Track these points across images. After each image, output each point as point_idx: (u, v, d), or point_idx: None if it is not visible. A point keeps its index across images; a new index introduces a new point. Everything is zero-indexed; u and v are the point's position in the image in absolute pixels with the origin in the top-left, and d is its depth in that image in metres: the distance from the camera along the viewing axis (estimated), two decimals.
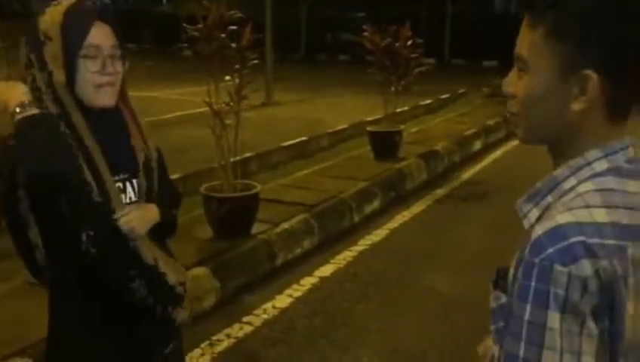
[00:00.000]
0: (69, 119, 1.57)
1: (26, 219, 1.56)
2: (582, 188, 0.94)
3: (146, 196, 1.71)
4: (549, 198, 0.97)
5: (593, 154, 0.96)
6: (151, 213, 1.69)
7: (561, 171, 0.97)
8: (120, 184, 1.66)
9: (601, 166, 0.95)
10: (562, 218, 0.90)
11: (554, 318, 0.86)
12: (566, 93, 0.95)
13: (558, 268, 0.86)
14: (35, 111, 1.52)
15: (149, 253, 1.66)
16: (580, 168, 0.96)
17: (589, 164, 0.96)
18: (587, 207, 0.90)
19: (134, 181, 1.69)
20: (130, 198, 1.68)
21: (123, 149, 1.68)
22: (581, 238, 0.87)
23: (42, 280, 1.70)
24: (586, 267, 0.86)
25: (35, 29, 1.59)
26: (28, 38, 1.60)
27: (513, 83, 1.01)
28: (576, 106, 0.94)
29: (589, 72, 0.92)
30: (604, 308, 0.87)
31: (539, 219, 0.97)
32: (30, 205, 1.55)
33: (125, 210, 1.61)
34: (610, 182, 0.94)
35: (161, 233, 1.76)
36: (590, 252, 0.87)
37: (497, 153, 8.91)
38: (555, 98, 0.96)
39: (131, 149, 1.69)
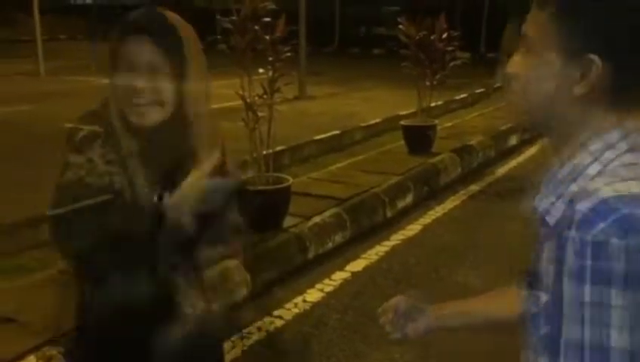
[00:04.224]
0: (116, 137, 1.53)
1: None
2: (610, 168, 0.91)
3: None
4: (574, 188, 0.93)
5: (613, 136, 0.93)
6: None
7: (582, 158, 0.94)
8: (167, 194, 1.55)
9: (621, 148, 0.92)
10: (604, 192, 0.85)
11: (618, 294, 0.81)
12: (567, 77, 0.92)
13: (614, 241, 0.81)
14: None
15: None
16: (602, 152, 0.93)
17: (610, 147, 0.93)
18: (623, 180, 0.87)
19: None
20: None
21: (173, 161, 1.57)
22: (629, 209, 0.83)
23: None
24: None
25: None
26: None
27: (517, 63, 0.98)
28: (577, 90, 0.92)
29: (593, 56, 0.89)
30: None
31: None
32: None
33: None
34: (630, 158, 0.91)
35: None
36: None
37: (534, 149, 8.72)
38: (555, 80, 0.94)
39: (183, 161, 1.56)
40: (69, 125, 1.58)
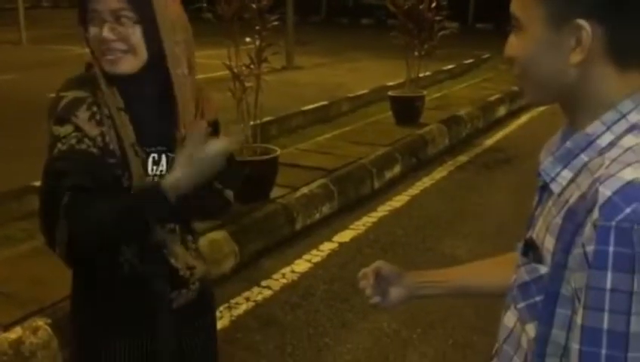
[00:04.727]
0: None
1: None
2: (626, 142, 0.89)
3: None
4: (584, 157, 0.92)
5: (626, 105, 0.91)
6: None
7: (594, 128, 0.92)
8: (155, 155, 1.54)
9: (634, 117, 0.90)
10: (628, 174, 0.83)
11: None
12: (562, 47, 0.91)
13: (638, 228, 0.80)
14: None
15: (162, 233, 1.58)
16: (615, 122, 0.91)
17: (623, 116, 0.91)
18: None
19: (170, 155, 1.55)
20: (161, 171, 1.55)
21: (161, 120, 1.55)
22: None
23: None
24: None
25: None
26: None
27: (513, 45, 0.98)
28: (574, 58, 0.91)
29: (580, 21, 0.89)
30: None
31: (572, 180, 0.92)
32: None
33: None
34: None
35: (197, 211, 1.68)
36: None
37: (522, 119, 8.75)
38: (552, 53, 0.92)
39: (170, 122, 1.54)
40: (52, 95, 1.55)
